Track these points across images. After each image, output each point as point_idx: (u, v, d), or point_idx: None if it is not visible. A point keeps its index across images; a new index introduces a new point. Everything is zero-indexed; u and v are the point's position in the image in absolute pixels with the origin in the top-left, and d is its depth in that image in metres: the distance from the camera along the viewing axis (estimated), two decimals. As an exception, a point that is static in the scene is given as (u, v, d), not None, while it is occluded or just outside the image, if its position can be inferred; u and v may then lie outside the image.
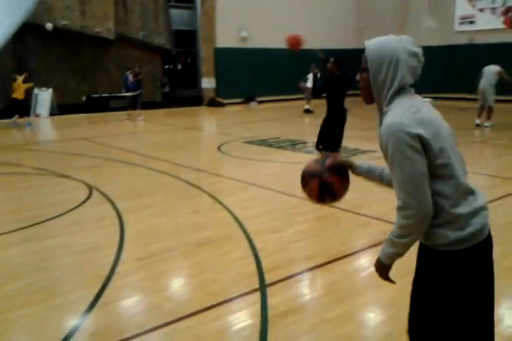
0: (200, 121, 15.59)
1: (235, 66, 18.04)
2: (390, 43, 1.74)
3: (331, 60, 6.32)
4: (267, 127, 11.91)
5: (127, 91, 16.96)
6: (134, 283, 3.54)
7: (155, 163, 7.79)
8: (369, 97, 1.81)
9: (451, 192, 1.67)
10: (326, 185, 1.99)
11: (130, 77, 14.36)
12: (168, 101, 18.81)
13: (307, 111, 14.88)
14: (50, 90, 15.00)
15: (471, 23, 17.93)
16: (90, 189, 6.11)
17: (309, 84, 14.41)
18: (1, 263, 3.94)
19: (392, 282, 1.85)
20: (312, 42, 20.03)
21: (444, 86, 18.28)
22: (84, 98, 16.37)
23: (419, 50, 1.75)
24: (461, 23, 18.19)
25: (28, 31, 16.78)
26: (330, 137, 6.49)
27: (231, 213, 5.03)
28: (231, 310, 3.15)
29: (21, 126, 12.55)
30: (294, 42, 6.50)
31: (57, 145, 10.22)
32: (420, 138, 1.61)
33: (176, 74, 21.95)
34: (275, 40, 19.00)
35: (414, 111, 1.66)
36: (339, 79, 6.31)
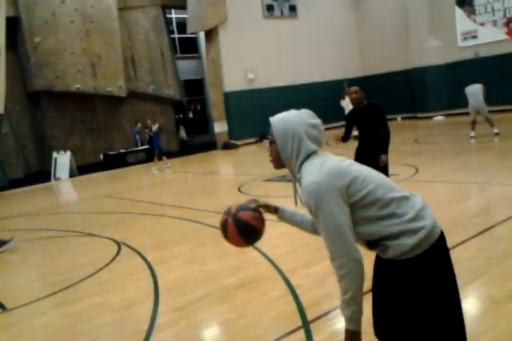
0: (217, 164, 15.74)
1: (244, 107, 18.39)
2: (291, 119, 1.94)
3: (355, 88, 5.33)
4: (284, 163, 11.86)
5: (142, 144, 17.35)
6: (176, 334, 3.47)
7: (178, 211, 7.81)
8: (279, 164, 2.01)
9: (387, 210, 1.81)
10: (240, 221, 2.07)
11: (153, 128, 14.70)
12: (183, 149, 19.14)
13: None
14: (68, 153, 15.39)
15: (474, 37, 18.04)
16: (118, 245, 6.12)
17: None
18: (40, 330, 3.91)
19: None
20: (319, 75, 20.54)
21: (453, 102, 18.29)
22: (101, 156, 16.76)
23: (317, 122, 1.97)
24: (464, 39, 18.30)
25: (40, 98, 17.49)
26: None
27: (261, 252, 4.97)
28: (278, 352, 3.05)
29: None
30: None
31: (81, 206, 10.37)
32: (336, 189, 1.78)
33: (188, 122, 22.45)
34: (281, 77, 19.49)
35: (320, 167, 1.84)
36: (372, 109, 5.32)
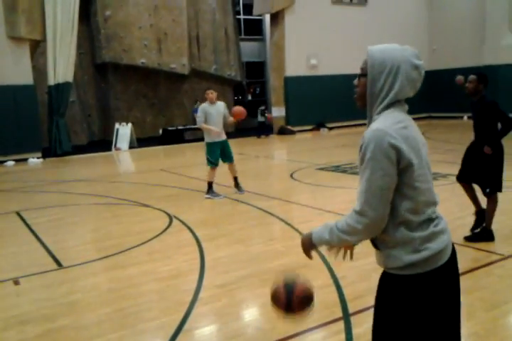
0: (271, 149, 15.76)
1: (304, 94, 18.20)
2: (394, 52, 1.69)
3: (470, 76, 4.69)
4: (340, 153, 11.81)
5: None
6: (217, 309, 3.58)
7: (228, 191, 7.93)
8: (363, 102, 1.78)
9: (412, 214, 1.64)
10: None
11: (195, 106, 15.18)
12: (236, 132, 19.15)
13: None
14: (130, 125, 15.90)
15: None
16: (170, 217, 6.32)
17: None
18: (91, 289, 4.14)
19: (310, 257, 1.85)
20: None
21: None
22: (160, 131, 17.19)
23: (421, 63, 1.71)
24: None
25: (107, 70, 18.05)
26: (493, 175, 4.72)
27: (308, 240, 4.98)
28: (315, 338, 3.09)
29: None
30: (239, 114, 7.45)
31: (137, 177, 10.73)
32: (400, 154, 1.59)
33: (246, 104, 22.54)
34: (344, 65, 19.09)
35: (402, 127, 1.64)
36: (490, 103, 4.66)
